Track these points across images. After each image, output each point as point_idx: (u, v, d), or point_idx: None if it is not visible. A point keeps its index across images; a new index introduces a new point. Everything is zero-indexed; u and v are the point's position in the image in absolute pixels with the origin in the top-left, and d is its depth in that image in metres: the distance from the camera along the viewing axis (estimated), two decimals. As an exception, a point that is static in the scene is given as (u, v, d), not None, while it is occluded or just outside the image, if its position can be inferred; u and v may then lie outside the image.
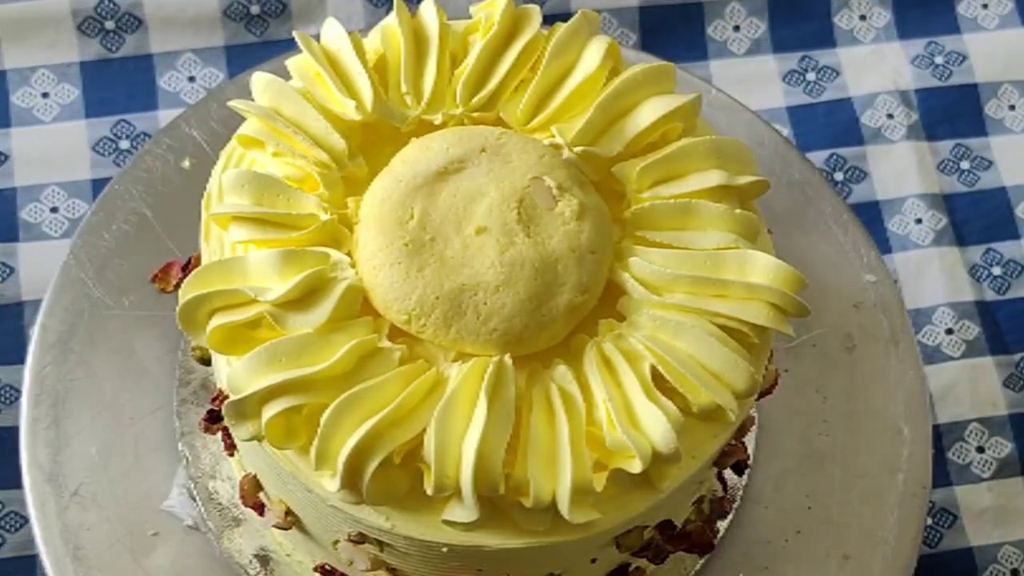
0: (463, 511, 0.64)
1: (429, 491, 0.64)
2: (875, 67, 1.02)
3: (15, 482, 0.81)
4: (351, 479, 0.64)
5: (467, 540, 0.66)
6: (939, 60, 1.02)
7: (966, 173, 0.99)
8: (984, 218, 0.98)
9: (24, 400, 0.81)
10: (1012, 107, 1.01)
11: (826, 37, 1.03)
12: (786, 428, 0.83)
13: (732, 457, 0.74)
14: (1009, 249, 0.98)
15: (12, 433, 0.82)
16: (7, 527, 0.88)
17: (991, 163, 1.00)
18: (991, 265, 0.97)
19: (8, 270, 0.93)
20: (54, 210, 0.95)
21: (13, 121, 0.97)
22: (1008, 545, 0.90)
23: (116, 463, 0.80)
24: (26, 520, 0.84)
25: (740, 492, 0.81)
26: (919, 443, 0.83)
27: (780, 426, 0.83)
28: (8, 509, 0.88)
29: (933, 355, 0.95)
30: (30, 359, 0.82)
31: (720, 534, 0.80)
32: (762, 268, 0.68)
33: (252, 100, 0.71)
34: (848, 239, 0.87)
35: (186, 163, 0.86)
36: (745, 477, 0.81)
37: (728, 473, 0.79)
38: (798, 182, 0.88)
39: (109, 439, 0.81)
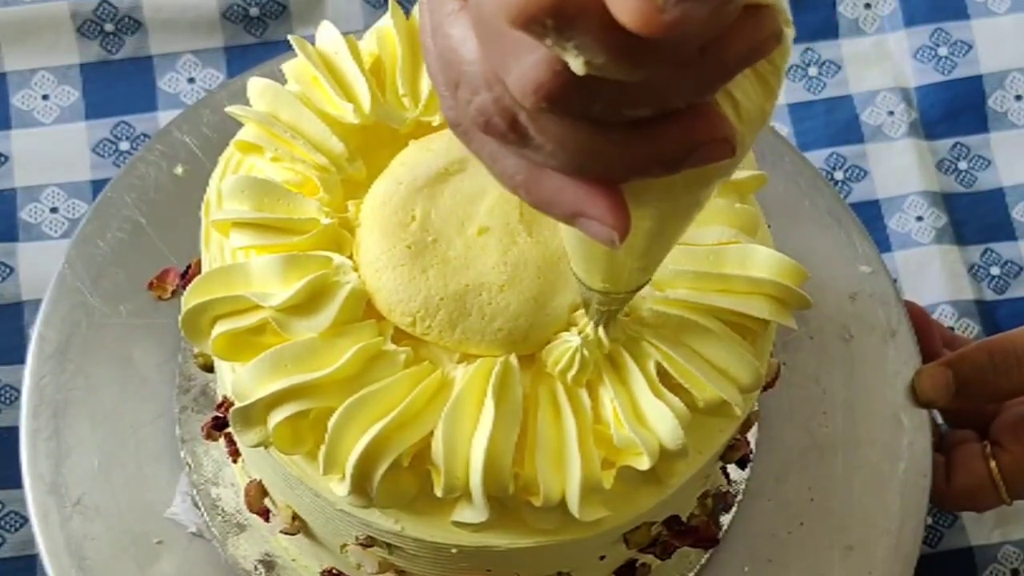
0: (473, 512, 0.64)
1: (438, 493, 0.64)
2: (877, 62, 1.02)
3: (15, 482, 0.81)
4: (360, 483, 0.64)
5: (477, 541, 0.66)
6: (943, 51, 1.01)
7: (964, 173, 0.99)
8: (982, 219, 0.98)
9: (23, 411, 0.81)
10: (1019, 97, 1.01)
11: (829, 27, 1.03)
12: (786, 421, 0.83)
13: (737, 451, 0.74)
14: (1007, 250, 0.98)
15: (12, 433, 0.82)
16: (7, 527, 0.88)
17: (989, 162, 1.00)
18: (990, 265, 0.97)
19: (8, 270, 0.93)
20: (54, 210, 0.95)
21: (13, 123, 0.97)
22: (1008, 545, 0.91)
23: (118, 472, 0.80)
24: (26, 520, 0.84)
25: (743, 486, 0.81)
26: (919, 432, 0.83)
27: (780, 419, 0.83)
28: (8, 509, 0.88)
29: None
30: (28, 369, 0.82)
31: (724, 528, 0.80)
32: (763, 262, 0.68)
33: (247, 104, 0.71)
34: (842, 231, 0.87)
35: (179, 169, 0.86)
36: (747, 470, 0.81)
37: (731, 467, 0.79)
38: (790, 174, 0.89)
39: (110, 448, 0.81)
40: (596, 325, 0.64)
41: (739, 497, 0.81)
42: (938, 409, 0.85)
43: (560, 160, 0.47)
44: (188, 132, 0.87)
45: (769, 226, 0.73)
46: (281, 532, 0.74)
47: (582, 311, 0.66)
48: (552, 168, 0.48)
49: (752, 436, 0.81)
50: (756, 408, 0.80)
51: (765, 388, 0.74)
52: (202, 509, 0.80)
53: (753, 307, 0.68)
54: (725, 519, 0.80)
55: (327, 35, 0.73)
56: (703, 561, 0.80)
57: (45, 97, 0.98)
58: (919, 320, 0.86)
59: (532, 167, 0.49)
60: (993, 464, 0.82)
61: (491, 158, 0.50)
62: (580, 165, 0.47)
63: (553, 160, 0.47)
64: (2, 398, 0.90)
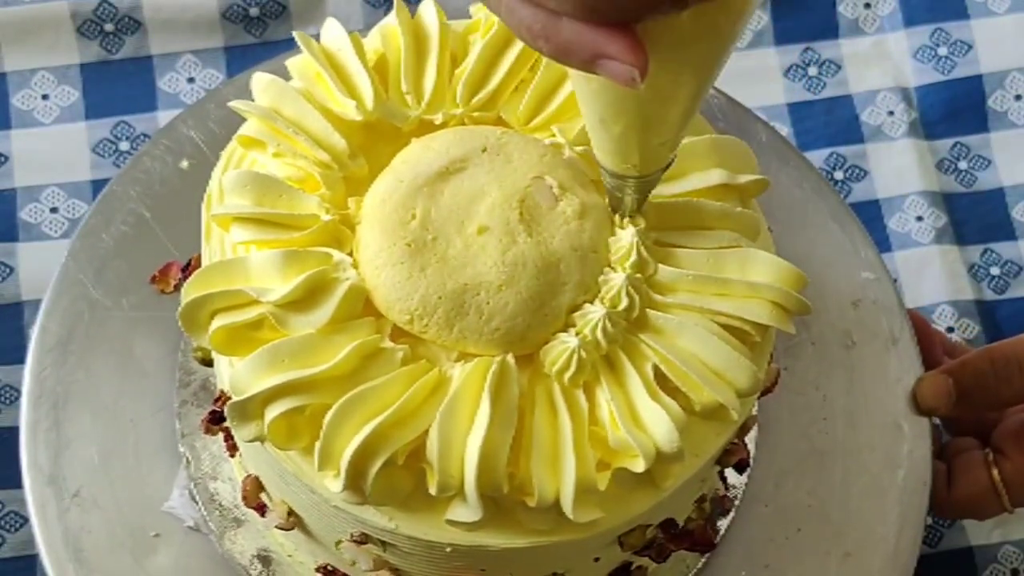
0: (466, 511, 0.65)
1: (432, 491, 0.64)
2: (877, 62, 1.02)
3: (15, 482, 0.81)
4: (354, 480, 0.64)
5: (471, 540, 0.66)
6: (943, 51, 1.01)
7: (964, 173, 0.99)
8: (982, 219, 0.98)
9: (24, 402, 0.81)
10: (1018, 97, 1.01)
11: (829, 27, 1.02)
12: (786, 426, 0.83)
13: (734, 456, 0.74)
14: (1007, 250, 0.98)
15: (12, 433, 0.82)
16: (7, 527, 0.88)
17: (989, 162, 1.00)
18: (990, 265, 0.97)
19: (8, 270, 0.93)
20: (54, 210, 0.95)
21: (13, 123, 0.97)
22: (1008, 545, 0.91)
23: (117, 465, 0.80)
24: (26, 520, 0.84)
25: (741, 490, 0.81)
26: (919, 439, 0.83)
27: (780, 424, 0.83)
28: (8, 509, 0.88)
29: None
30: (29, 361, 0.82)
31: (721, 532, 0.80)
32: (764, 266, 0.68)
33: (251, 100, 0.71)
34: (846, 237, 0.87)
35: (184, 164, 0.86)
36: (746, 475, 0.81)
37: (729, 471, 0.79)
38: (795, 179, 0.89)
39: (109, 441, 0.81)
40: (630, 216, 0.67)
41: (737, 502, 0.81)
42: (939, 417, 0.85)
43: (573, 2, 0.49)
44: (194, 127, 0.87)
45: (771, 230, 0.73)
46: (277, 527, 0.74)
47: (580, 312, 0.66)
48: (566, 14, 0.50)
49: (751, 441, 0.81)
50: (754, 413, 0.80)
51: (763, 393, 0.74)
52: (199, 503, 0.80)
53: (753, 312, 0.68)
54: (723, 523, 0.80)
55: (332, 32, 0.73)
56: (700, 565, 0.80)
57: (45, 97, 0.98)
58: (920, 328, 0.86)
59: (548, 15, 0.51)
60: (995, 472, 0.82)
61: (508, 11, 0.52)
62: (592, 6, 0.50)
63: (567, 3, 0.50)
64: (2, 398, 0.90)
